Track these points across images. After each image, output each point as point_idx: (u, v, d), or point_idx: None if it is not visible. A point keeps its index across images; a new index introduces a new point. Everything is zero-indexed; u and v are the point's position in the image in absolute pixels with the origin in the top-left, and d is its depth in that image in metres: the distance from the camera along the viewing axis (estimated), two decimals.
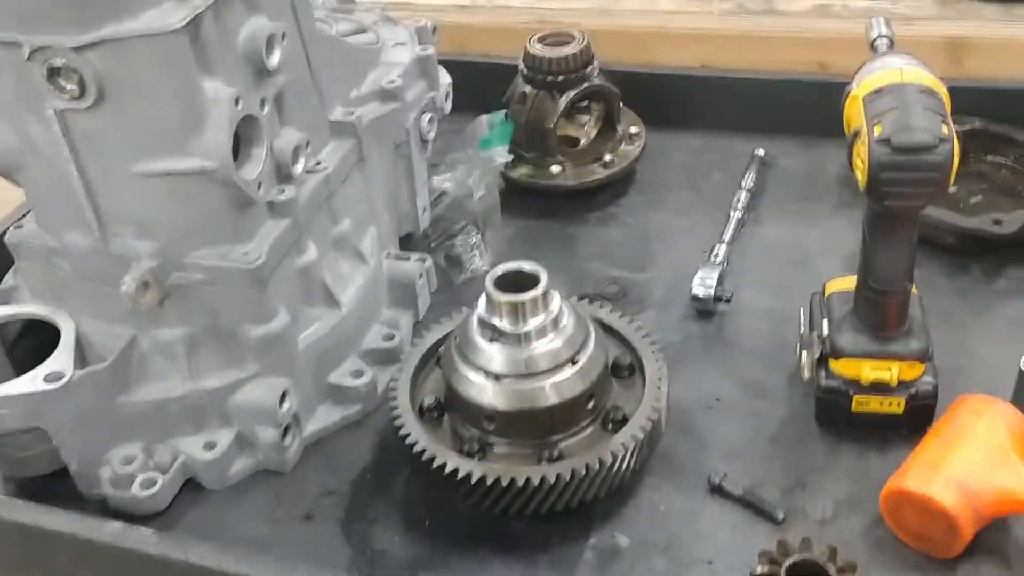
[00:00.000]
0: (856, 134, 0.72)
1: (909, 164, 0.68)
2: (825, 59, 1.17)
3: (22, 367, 0.80)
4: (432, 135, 1.06)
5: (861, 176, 0.71)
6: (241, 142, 0.79)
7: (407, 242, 1.08)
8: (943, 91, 0.73)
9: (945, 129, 0.68)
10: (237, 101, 0.76)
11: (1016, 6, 1.16)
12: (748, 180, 1.13)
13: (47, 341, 0.82)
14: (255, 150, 0.80)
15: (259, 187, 0.80)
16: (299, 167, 0.86)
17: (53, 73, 0.71)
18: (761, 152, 1.17)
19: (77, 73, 0.71)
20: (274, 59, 0.81)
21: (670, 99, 1.23)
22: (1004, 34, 1.13)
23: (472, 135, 1.10)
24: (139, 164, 0.76)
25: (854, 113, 0.74)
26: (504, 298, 0.77)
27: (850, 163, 0.73)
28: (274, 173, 0.84)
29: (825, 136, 1.14)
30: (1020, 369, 0.81)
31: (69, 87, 0.72)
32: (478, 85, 1.18)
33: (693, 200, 1.15)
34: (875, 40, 0.83)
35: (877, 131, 0.69)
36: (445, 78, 1.11)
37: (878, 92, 0.72)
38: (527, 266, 0.80)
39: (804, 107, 1.18)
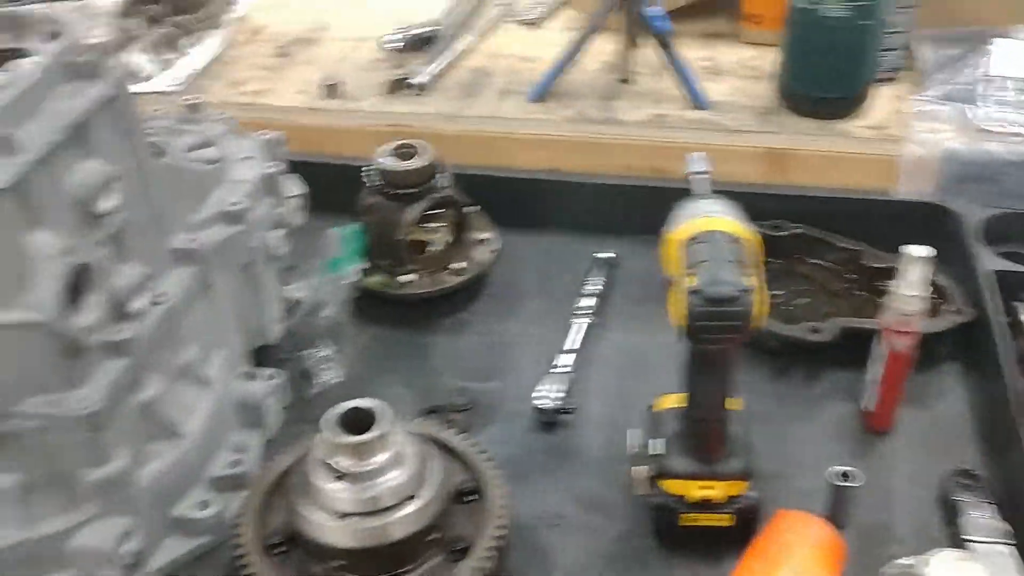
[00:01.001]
0: (672, 281, 0.77)
1: (717, 314, 0.74)
2: (659, 164, 1.24)
3: None
4: (283, 250, 1.07)
5: (678, 321, 0.76)
6: (75, 289, 0.78)
7: (261, 353, 1.08)
8: (750, 237, 0.79)
9: (747, 280, 0.74)
10: (68, 252, 0.75)
11: (828, 123, 1.25)
12: (595, 284, 1.18)
13: None
14: (90, 296, 0.80)
15: (93, 331, 0.79)
16: (139, 303, 0.85)
17: None
18: (608, 254, 1.22)
19: None
20: (109, 203, 0.80)
21: (522, 201, 1.26)
22: (817, 146, 1.23)
23: (325, 248, 1.11)
24: None
25: (671, 256, 0.79)
26: (345, 440, 0.79)
27: (667, 304, 0.78)
28: (111, 313, 0.83)
29: None
30: (827, 481, 0.88)
31: None
32: (337, 186, 1.19)
33: (544, 305, 1.18)
34: (691, 175, 0.88)
35: (691, 282, 0.74)
36: (296, 189, 1.12)
37: (693, 240, 0.78)
38: (367, 403, 0.81)
39: (646, 209, 1.24)
